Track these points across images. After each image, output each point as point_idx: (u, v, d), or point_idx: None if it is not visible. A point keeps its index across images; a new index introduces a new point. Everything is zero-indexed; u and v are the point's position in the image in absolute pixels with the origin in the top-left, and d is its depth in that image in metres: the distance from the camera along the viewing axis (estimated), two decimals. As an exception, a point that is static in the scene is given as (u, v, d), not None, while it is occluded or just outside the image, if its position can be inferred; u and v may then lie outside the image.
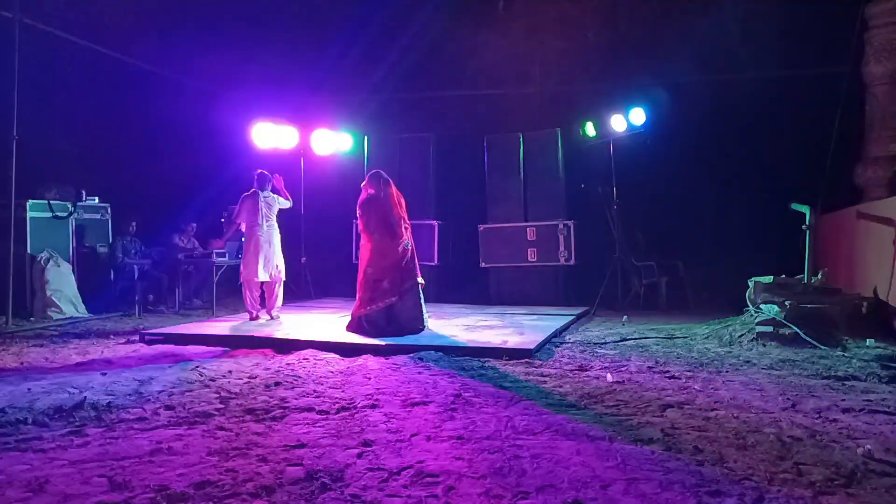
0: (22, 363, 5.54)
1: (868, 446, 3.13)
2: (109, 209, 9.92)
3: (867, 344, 5.76)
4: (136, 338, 6.77)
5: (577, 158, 10.01)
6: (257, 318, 7.61)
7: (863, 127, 8.83)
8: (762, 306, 6.56)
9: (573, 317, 7.97)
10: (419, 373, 4.98)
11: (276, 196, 7.88)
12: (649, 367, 5.18)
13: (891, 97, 8.46)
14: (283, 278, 7.85)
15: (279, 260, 7.75)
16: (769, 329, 6.09)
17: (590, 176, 10.12)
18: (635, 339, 6.61)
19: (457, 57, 11.11)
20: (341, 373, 5.03)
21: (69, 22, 9.00)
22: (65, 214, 9.13)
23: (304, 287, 10.49)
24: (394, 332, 6.44)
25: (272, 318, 7.70)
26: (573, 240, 9.52)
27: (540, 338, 6.25)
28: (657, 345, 6.27)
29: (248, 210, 7.64)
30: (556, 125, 9.96)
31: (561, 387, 4.53)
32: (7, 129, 7.76)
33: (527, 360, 5.48)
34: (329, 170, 10.73)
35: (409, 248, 6.80)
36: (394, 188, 6.90)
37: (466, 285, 10.23)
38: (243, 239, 7.96)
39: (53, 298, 8.48)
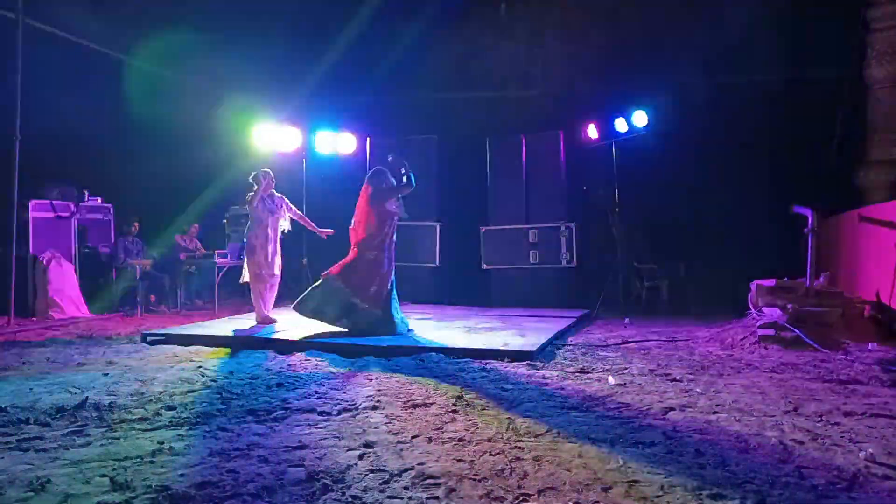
0: (24, 363, 5.54)
1: (870, 450, 3.13)
2: (112, 209, 9.95)
3: (869, 347, 5.75)
4: (138, 338, 6.77)
5: (579, 160, 10.01)
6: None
7: (865, 130, 8.84)
8: (764, 309, 6.56)
9: (575, 319, 7.96)
10: (420, 374, 4.98)
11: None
12: (651, 370, 5.17)
13: (893, 100, 8.48)
14: (247, 280, 7.61)
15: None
16: (771, 332, 6.08)
17: (592, 178, 10.12)
18: (637, 341, 6.60)
19: (459, 58, 11.12)
20: (343, 374, 5.03)
21: (72, 22, 9.02)
22: (67, 215, 9.15)
23: (305, 288, 10.47)
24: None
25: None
26: (575, 242, 9.52)
27: (541, 340, 6.25)
28: (659, 347, 6.26)
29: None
30: (559, 127, 9.96)
31: (562, 389, 4.53)
32: (10, 130, 7.78)
33: (528, 362, 5.47)
34: (331, 171, 10.74)
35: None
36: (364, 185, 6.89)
37: (468, 287, 10.22)
38: (245, 240, 7.91)
39: (55, 298, 8.50)
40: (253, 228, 7.52)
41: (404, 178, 6.86)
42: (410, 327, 6.88)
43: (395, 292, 6.79)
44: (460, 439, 3.38)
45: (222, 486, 2.73)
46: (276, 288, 7.75)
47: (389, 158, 7.09)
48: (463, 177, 10.72)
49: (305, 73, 11.09)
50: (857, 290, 7.28)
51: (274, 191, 7.73)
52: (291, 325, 7.34)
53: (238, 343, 6.40)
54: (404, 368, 5.20)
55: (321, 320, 6.67)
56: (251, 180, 7.65)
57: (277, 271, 7.68)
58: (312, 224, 7.96)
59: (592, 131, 9.62)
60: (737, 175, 9.97)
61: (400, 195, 6.89)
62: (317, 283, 6.81)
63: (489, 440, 3.36)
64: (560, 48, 10.95)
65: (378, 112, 11.43)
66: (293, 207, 7.88)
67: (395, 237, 6.87)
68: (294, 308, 6.74)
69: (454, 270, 10.52)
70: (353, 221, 6.91)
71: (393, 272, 6.78)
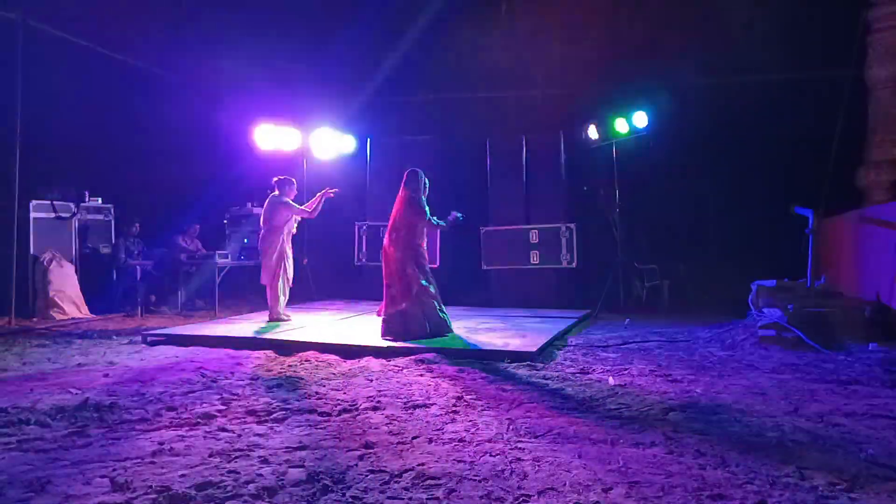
0: (24, 363, 5.54)
1: (871, 450, 3.13)
2: (112, 210, 9.95)
3: (870, 348, 5.75)
4: (139, 338, 6.77)
5: (580, 161, 10.01)
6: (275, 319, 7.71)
7: (866, 130, 8.83)
8: (765, 310, 6.56)
9: (575, 319, 7.96)
10: (420, 375, 4.98)
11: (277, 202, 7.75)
12: (651, 371, 5.17)
13: (894, 100, 8.46)
14: (267, 283, 7.76)
15: (265, 265, 7.74)
16: (772, 333, 6.08)
17: (592, 178, 10.12)
18: (637, 342, 6.60)
19: (460, 59, 11.12)
20: (343, 374, 5.03)
21: (73, 24, 9.02)
22: (68, 215, 9.15)
23: (306, 288, 10.49)
24: (410, 337, 6.31)
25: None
26: (575, 242, 9.52)
27: (542, 340, 6.24)
28: (659, 348, 6.26)
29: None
30: (559, 128, 9.96)
31: (563, 390, 4.53)
32: (11, 131, 7.78)
33: (529, 362, 5.47)
34: (331, 172, 10.74)
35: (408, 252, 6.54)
36: (402, 190, 6.73)
37: (468, 288, 10.21)
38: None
39: (56, 299, 8.50)
40: (285, 234, 7.69)
41: (440, 221, 6.73)
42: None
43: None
44: (460, 440, 3.38)
45: (223, 487, 2.73)
46: None
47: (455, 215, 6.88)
48: (463, 178, 10.72)
49: (305, 74, 11.09)
50: (857, 291, 7.28)
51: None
52: (291, 325, 7.35)
53: (238, 343, 6.39)
54: (404, 369, 5.19)
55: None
56: (274, 184, 7.78)
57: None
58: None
59: (593, 132, 9.62)
60: (737, 175, 9.97)
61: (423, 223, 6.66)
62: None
63: (489, 441, 3.36)
64: (560, 49, 10.95)
65: (378, 113, 11.43)
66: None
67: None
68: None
69: (455, 271, 10.51)
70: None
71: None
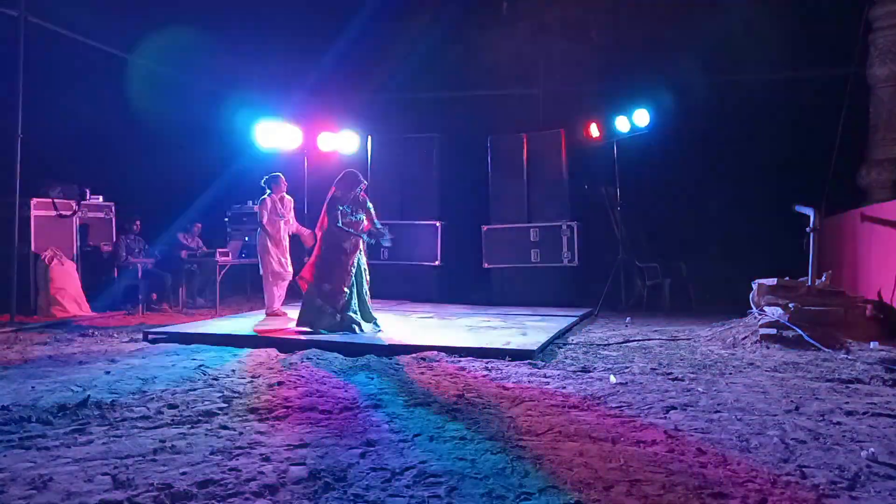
0: (26, 361, 5.55)
1: (871, 449, 3.13)
2: (113, 208, 9.95)
3: (871, 347, 5.74)
4: (140, 336, 6.78)
5: (581, 159, 10.01)
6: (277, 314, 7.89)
7: (867, 129, 8.83)
8: (766, 308, 6.55)
9: (576, 318, 7.96)
10: (422, 373, 4.99)
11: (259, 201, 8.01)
12: (652, 369, 5.17)
13: (895, 99, 8.46)
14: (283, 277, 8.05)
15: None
16: (773, 331, 6.08)
17: (593, 177, 10.11)
18: (638, 340, 6.60)
19: (461, 57, 11.12)
20: (344, 372, 5.04)
21: (74, 20, 9.02)
22: (69, 213, 9.15)
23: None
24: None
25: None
26: (576, 241, 9.51)
27: (543, 339, 6.25)
28: (660, 346, 6.26)
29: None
30: (560, 126, 9.94)
31: (564, 388, 4.53)
32: (12, 128, 7.78)
33: (529, 361, 5.47)
34: (332, 170, 10.70)
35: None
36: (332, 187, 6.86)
37: (469, 286, 10.22)
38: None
39: (57, 297, 8.50)
40: (266, 231, 7.84)
41: (372, 234, 6.89)
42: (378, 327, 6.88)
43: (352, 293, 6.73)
44: (462, 438, 3.38)
45: (224, 485, 2.74)
46: (285, 286, 8.13)
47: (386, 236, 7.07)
48: (464, 175, 10.72)
49: (307, 71, 11.08)
50: (859, 290, 7.28)
51: (285, 194, 8.04)
52: (292, 323, 7.36)
53: (240, 341, 6.40)
54: (406, 367, 5.20)
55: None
56: (263, 184, 7.93)
57: (290, 269, 8.01)
58: (305, 232, 8.07)
59: (594, 130, 9.61)
60: (738, 174, 9.97)
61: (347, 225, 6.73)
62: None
63: (490, 439, 3.36)
64: (561, 47, 10.94)
65: (380, 110, 11.43)
66: (293, 216, 8.21)
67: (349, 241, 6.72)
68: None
69: (456, 269, 10.52)
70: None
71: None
